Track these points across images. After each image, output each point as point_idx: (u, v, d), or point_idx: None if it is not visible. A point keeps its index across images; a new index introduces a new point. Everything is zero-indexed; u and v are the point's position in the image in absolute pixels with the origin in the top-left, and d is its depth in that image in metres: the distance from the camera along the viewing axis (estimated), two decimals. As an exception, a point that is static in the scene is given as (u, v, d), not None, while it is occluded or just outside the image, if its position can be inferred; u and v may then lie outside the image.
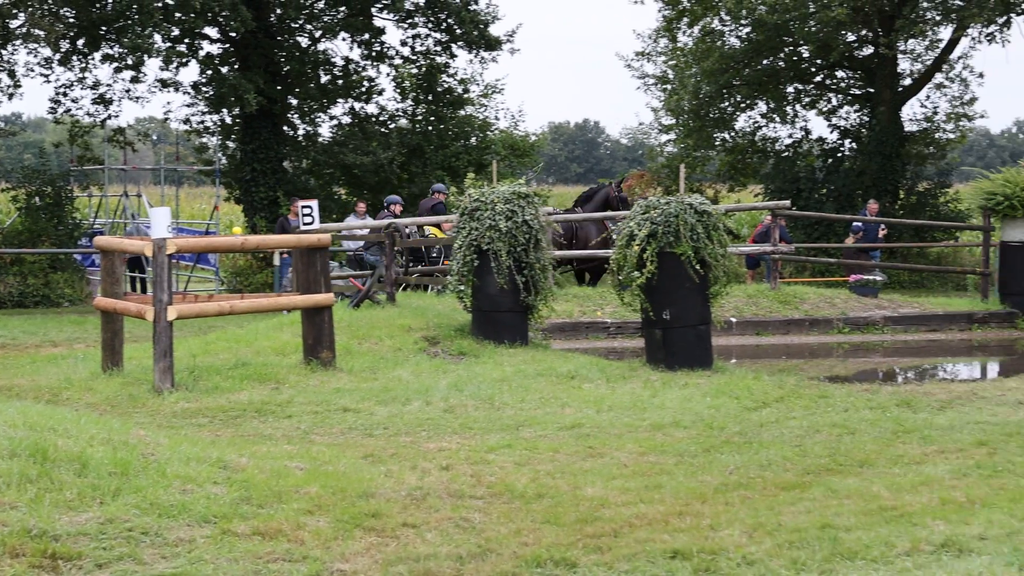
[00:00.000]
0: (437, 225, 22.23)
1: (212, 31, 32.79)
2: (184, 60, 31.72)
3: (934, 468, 8.54)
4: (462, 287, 15.43)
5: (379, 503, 7.29)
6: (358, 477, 7.94)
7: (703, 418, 10.72)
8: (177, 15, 29.87)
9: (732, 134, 38.44)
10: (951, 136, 39.19)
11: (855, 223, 28.25)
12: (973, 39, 36.81)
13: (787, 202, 23.77)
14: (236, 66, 32.50)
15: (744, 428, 10.30)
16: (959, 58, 38.25)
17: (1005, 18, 35.46)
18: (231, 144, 34.54)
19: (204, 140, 35.82)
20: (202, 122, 33.93)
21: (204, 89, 32.67)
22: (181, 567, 5.83)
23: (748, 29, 35.48)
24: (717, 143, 38.31)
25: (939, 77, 38.19)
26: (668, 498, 7.55)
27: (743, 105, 37.99)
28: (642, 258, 13.51)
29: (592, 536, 6.69)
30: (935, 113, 38.50)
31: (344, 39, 34.68)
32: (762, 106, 38.30)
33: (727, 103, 37.66)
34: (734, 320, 19.40)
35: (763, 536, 6.61)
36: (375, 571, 6.07)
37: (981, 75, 39.28)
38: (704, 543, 6.46)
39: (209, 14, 29.73)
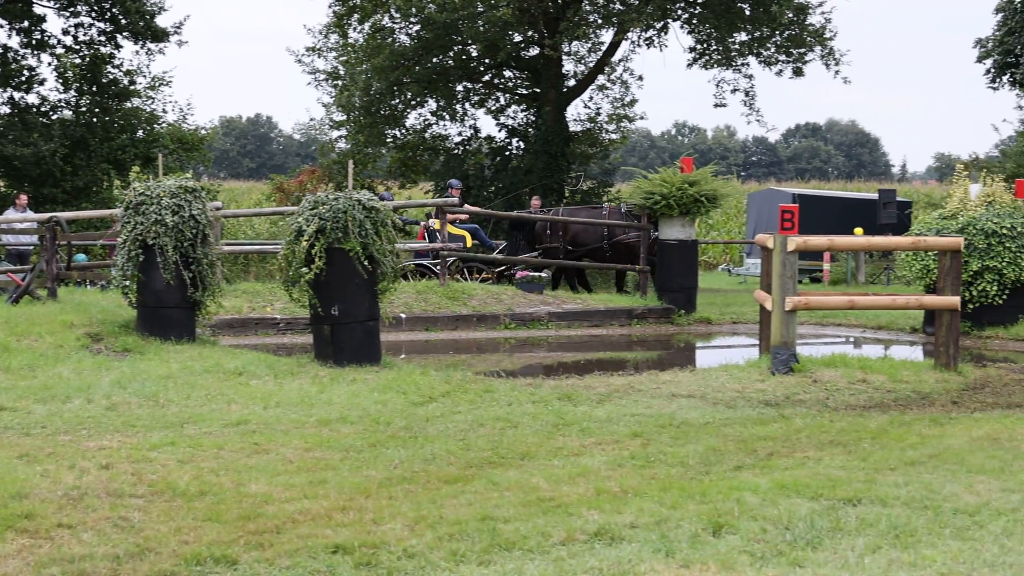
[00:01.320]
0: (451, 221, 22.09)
1: None
2: None
3: (591, 459, 8.81)
4: (127, 283, 15.01)
5: (33, 504, 7.04)
6: (12, 478, 7.65)
7: (370, 413, 10.76)
8: None
9: (403, 131, 38.67)
10: (614, 136, 40.52)
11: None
12: (633, 42, 38.20)
13: (455, 199, 24.05)
14: None
15: (410, 423, 10.38)
16: (620, 61, 39.62)
17: (663, 23, 36.96)
18: None
19: None
20: None
21: None
22: None
23: (418, 27, 35.77)
24: (388, 140, 38.47)
25: (601, 79, 39.46)
26: (332, 493, 7.55)
27: (414, 103, 38.29)
28: (311, 254, 13.44)
29: (254, 533, 6.63)
30: (598, 114, 39.75)
31: (2, 26, 33.28)
32: (432, 104, 38.70)
33: (398, 100, 37.86)
34: (404, 316, 19.52)
35: (425, 529, 6.69)
36: (27, 574, 5.87)
37: (641, 78, 40.90)
38: (366, 537, 6.49)
39: None
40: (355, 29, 37.13)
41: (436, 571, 6.03)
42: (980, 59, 47.43)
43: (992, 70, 46.84)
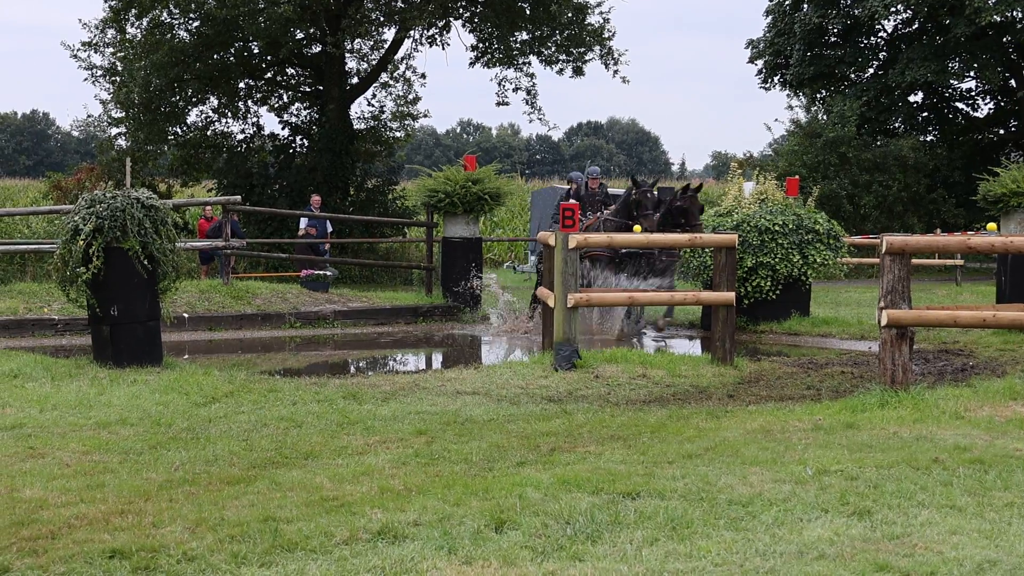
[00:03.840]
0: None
1: None
2: None
3: (376, 458, 8.80)
4: None
5: None
6: None
7: (151, 415, 10.56)
8: None
9: (184, 128, 37.92)
10: (398, 134, 40.47)
11: (303, 219, 28.66)
12: (416, 40, 38.25)
13: (238, 197, 23.75)
14: None
15: (192, 424, 10.23)
16: (403, 59, 39.58)
17: (444, 21, 37.13)
18: None
19: None
20: None
21: None
22: None
23: (198, 23, 35.13)
24: (170, 137, 37.68)
25: (385, 77, 39.37)
26: (111, 497, 7.38)
27: (195, 99, 37.55)
28: (88, 253, 13.11)
29: (28, 539, 6.44)
30: (382, 112, 39.66)
31: None
32: (214, 101, 38.07)
33: (178, 97, 37.07)
34: (187, 316, 19.19)
35: (206, 531, 6.59)
36: None
37: (424, 76, 40.81)
38: (145, 541, 6.36)
39: None
40: (133, 24, 36.19)
41: (216, 574, 5.94)
42: (752, 60, 48.85)
43: (764, 71, 48.29)
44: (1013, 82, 46.87)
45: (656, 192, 19.73)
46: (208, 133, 38.20)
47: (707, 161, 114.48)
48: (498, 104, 40.66)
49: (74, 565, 6.02)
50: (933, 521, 6.78)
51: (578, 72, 38.66)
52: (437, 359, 17.18)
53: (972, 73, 45.52)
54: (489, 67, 38.65)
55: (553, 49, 38.07)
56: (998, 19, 41.71)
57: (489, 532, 6.61)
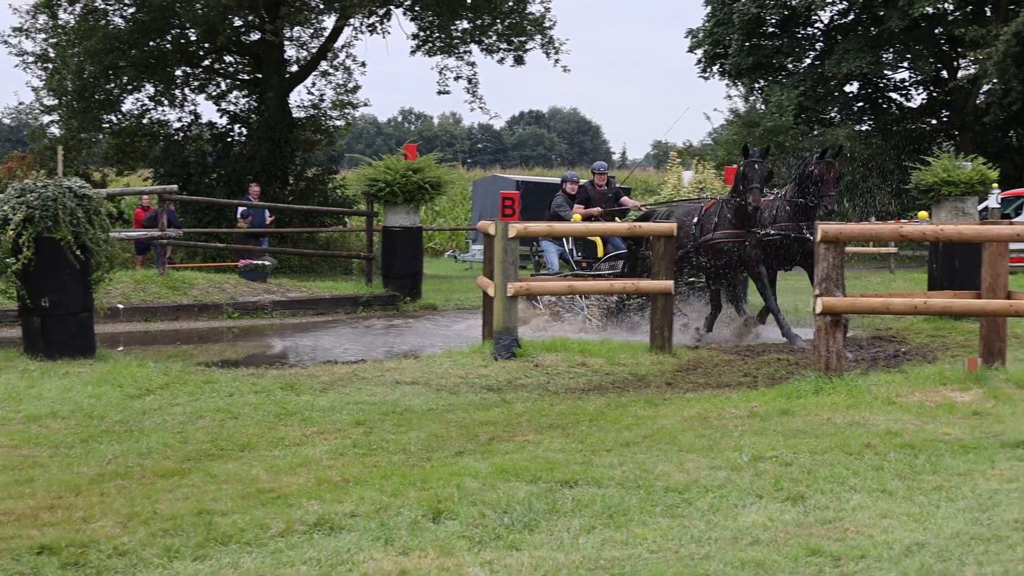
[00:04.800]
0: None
1: None
2: None
3: (313, 449, 8.75)
4: None
5: None
6: None
7: (83, 408, 10.43)
8: None
9: (120, 116, 37.54)
10: (338, 123, 40.35)
11: (241, 208, 28.48)
12: (356, 28, 38.12)
13: (175, 186, 23.56)
14: None
15: (126, 416, 10.11)
16: (343, 47, 39.48)
17: (385, 9, 37.02)
18: None
19: None
20: None
21: None
22: None
23: (133, 9, 34.80)
24: (105, 125, 37.29)
25: (324, 65, 39.23)
26: (40, 492, 7.28)
27: (130, 87, 37.21)
28: (18, 243, 12.91)
29: (-45, 537, 6.35)
30: (322, 100, 39.50)
31: None
32: (150, 88, 37.74)
33: (113, 85, 36.73)
34: (122, 307, 19.02)
35: (138, 525, 6.52)
36: None
37: (364, 64, 40.78)
38: (75, 536, 6.28)
39: None
40: (66, 10, 35.75)
41: (148, 568, 5.88)
42: (691, 49, 49.07)
43: (703, 60, 48.53)
44: (945, 73, 47.40)
45: (764, 162, 16.77)
46: (144, 121, 37.86)
47: (648, 150, 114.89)
48: (439, 93, 40.81)
49: (1, 562, 5.92)
50: (864, 505, 6.84)
51: (519, 61, 38.72)
52: (377, 349, 17.10)
53: (906, 64, 46.01)
54: (430, 56, 38.64)
55: (494, 38, 38.11)
56: (930, 11, 42.17)
57: (427, 522, 6.59)
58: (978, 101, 45.48)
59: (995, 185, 21.29)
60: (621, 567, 5.80)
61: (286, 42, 37.77)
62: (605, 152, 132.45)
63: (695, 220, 17.52)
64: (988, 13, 43.68)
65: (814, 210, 16.24)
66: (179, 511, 6.80)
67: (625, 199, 19.56)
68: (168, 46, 36.52)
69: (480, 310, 16.51)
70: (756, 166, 16.52)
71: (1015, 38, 37.65)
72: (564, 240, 17.96)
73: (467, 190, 50.08)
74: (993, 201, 25.37)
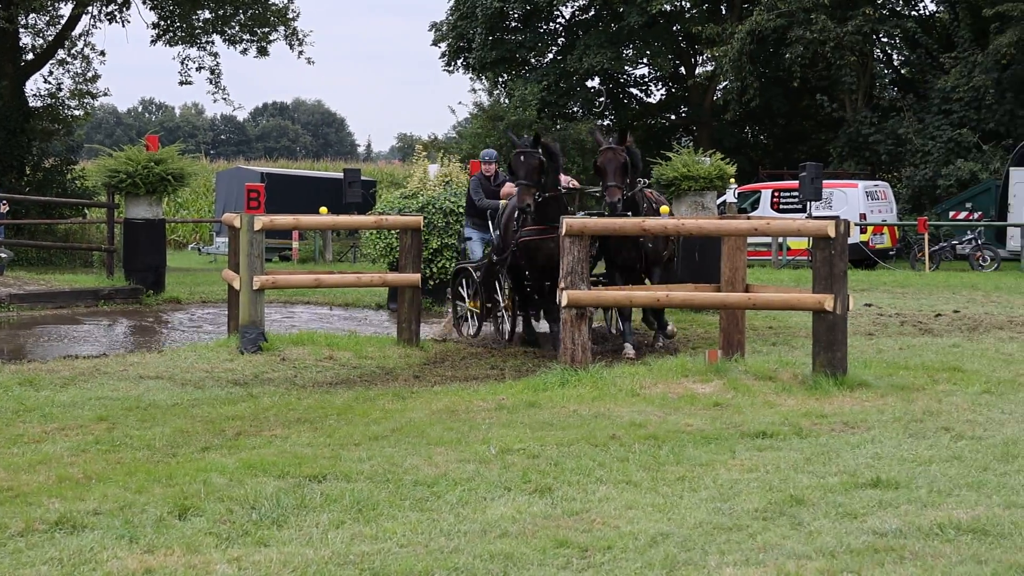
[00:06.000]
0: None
1: None
2: None
3: (54, 446, 8.55)
4: None
5: None
6: None
7: None
8: None
9: None
10: (77, 113, 39.35)
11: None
12: (94, 16, 37.22)
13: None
14: None
15: None
16: (81, 35, 38.46)
17: (125, -2, 36.25)
18: None
19: None
20: None
21: None
22: None
23: None
24: None
25: (62, 53, 38.19)
26: None
27: None
28: None
29: None
30: (59, 89, 38.48)
31: None
32: None
33: None
34: None
35: None
36: None
37: (103, 53, 39.74)
38: None
39: None
40: None
41: None
42: (435, 42, 49.29)
43: (447, 54, 48.78)
44: (683, 69, 48.80)
45: (538, 153, 14.47)
46: None
47: (393, 143, 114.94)
48: (181, 83, 40.05)
49: None
50: (610, 496, 7.03)
51: (262, 52, 38.44)
52: (119, 343, 16.72)
53: (645, 60, 47.14)
54: (171, 45, 38.04)
55: (237, 28, 37.78)
56: (668, 8, 43.35)
57: (172, 519, 6.53)
58: (715, 98, 46.95)
59: (733, 180, 22.06)
60: (371, 562, 5.83)
61: (21, 29, 36.60)
62: (350, 144, 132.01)
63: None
64: (723, 11, 45.16)
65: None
66: (-89, 514, 6.58)
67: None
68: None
69: (226, 303, 16.32)
70: (523, 157, 14.38)
71: (749, 36, 39.02)
72: (490, 228, 16.17)
73: (211, 182, 49.32)
74: (731, 195, 26.23)
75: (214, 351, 13.62)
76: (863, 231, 31.88)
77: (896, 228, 34.28)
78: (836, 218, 11.06)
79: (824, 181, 31.38)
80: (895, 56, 45.77)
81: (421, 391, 11.29)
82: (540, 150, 14.60)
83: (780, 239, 31.32)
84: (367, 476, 7.47)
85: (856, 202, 32.67)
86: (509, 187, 15.43)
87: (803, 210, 31.25)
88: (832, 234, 10.70)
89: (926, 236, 31.31)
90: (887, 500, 6.87)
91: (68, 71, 38.75)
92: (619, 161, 14.18)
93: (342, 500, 6.89)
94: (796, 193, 32.13)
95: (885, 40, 43.66)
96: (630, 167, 14.40)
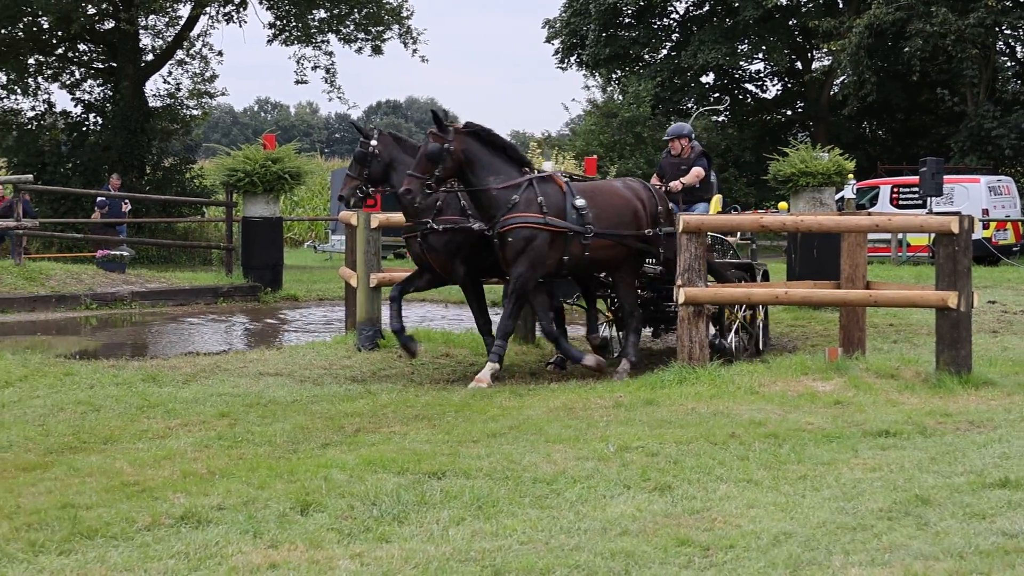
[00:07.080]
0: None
1: None
2: None
3: (177, 441, 8.67)
4: None
5: None
6: None
7: (-61, 402, 10.22)
8: None
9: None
10: (195, 112, 39.93)
11: (99, 198, 27.98)
12: (212, 17, 37.73)
13: (30, 176, 23.06)
14: None
15: (-15, 410, 9.93)
16: (199, 36, 39.04)
17: (241, -1, 36.73)
18: None
19: None
20: None
21: None
22: None
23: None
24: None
25: (180, 54, 38.77)
26: (-103, 490, 7.12)
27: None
28: None
29: None
30: (178, 89, 39.08)
31: None
32: (2, 77, 36.92)
33: (-37, 74, 35.92)
34: (-25, 299, 18.59)
35: (1, 520, 6.41)
36: None
37: (220, 53, 40.32)
38: (-63, 533, 6.17)
39: None
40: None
41: (13, 563, 5.78)
42: (549, 39, 49.31)
43: (560, 51, 48.77)
44: (799, 64, 48.27)
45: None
46: (-3, 111, 37.08)
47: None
48: (297, 82, 40.50)
49: None
50: (731, 495, 6.95)
51: (377, 51, 38.69)
52: (239, 340, 16.95)
53: (761, 55, 46.75)
54: (287, 45, 38.44)
55: (352, 27, 38.05)
56: (785, 2, 42.90)
57: (295, 515, 6.57)
58: (832, 92, 46.34)
59: (851, 176, 21.74)
60: (492, 559, 5.82)
61: (141, 31, 37.24)
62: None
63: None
64: (840, 5, 44.55)
65: None
66: (43, 505, 6.70)
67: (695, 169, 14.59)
68: (20, 34, 35.76)
69: (343, 301, 16.44)
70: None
71: (868, 30, 38.42)
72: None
73: (326, 180, 49.71)
74: (849, 191, 25.88)
75: (332, 348, 13.72)
76: (986, 227, 31.26)
77: (1020, 224, 33.58)
78: (959, 214, 10.88)
79: (945, 176, 30.80)
80: (1019, 48, 44.83)
81: (538, 388, 11.27)
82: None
83: (900, 235, 30.83)
84: (486, 473, 7.46)
85: (978, 197, 32.05)
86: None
87: (923, 206, 30.70)
88: (956, 230, 10.53)
89: (1051, 232, 30.70)
90: (1016, 501, 6.71)
91: (186, 71, 39.37)
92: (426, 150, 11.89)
93: (462, 497, 6.89)
94: (916, 189, 31.57)
95: (1008, 32, 42.71)
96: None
